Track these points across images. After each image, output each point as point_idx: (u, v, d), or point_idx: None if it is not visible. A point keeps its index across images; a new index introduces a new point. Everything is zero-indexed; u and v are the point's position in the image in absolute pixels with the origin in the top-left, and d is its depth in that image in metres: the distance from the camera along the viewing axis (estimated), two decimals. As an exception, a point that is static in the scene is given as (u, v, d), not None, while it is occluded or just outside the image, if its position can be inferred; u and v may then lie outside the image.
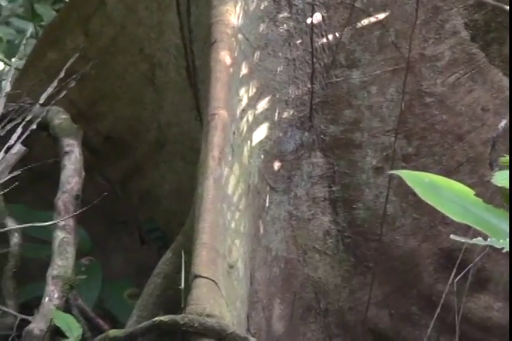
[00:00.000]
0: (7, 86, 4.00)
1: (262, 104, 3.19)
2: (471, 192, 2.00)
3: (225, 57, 3.06)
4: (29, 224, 3.34)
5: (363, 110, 3.33)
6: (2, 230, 3.39)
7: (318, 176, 3.34)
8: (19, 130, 3.54)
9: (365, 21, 3.31)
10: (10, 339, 3.39)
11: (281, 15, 3.29)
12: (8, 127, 3.62)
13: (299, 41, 3.28)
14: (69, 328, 2.95)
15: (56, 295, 3.08)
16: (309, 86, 3.28)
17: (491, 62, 3.41)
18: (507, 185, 2.01)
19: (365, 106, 3.33)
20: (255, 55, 3.20)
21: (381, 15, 3.35)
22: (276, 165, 3.26)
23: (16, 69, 4.40)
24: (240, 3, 3.20)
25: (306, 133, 3.35)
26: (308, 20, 3.30)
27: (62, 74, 3.69)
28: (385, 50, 3.32)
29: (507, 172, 2.36)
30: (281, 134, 3.28)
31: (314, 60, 3.28)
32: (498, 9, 3.48)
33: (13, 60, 4.80)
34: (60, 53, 3.89)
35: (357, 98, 3.32)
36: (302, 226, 3.33)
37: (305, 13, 3.30)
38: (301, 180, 3.33)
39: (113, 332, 2.74)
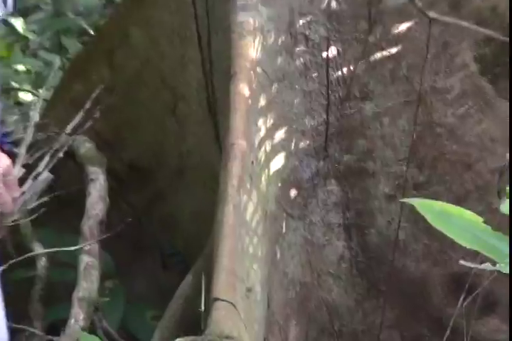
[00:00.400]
0: (35, 116, 3.79)
1: (279, 134, 3.22)
2: (479, 219, 2.34)
3: (243, 89, 3.07)
4: (55, 249, 3.35)
5: (375, 140, 3.41)
6: (29, 254, 3.39)
7: (333, 203, 3.38)
8: (46, 158, 3.52)
9: (378, 55, 3.35)
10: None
11: (297, 49, 3.33)
12: (37, 155, 3.58)
13: (315, 74, 3.33)
14: None
15: (81, 317, 3.12)
16: (324, 117, 3.32)
17: (498, 94, 3.46)
18: None
19: (378, 137, 3.39)
20: (273, 88, 3.22)
21: (393, 50, 3.39)
22: (293, 192, 3.29)
23: (43, 100, 4.11)
24: (258, 38, 3.23)
25: (321, 162, 3.38)
26: (324, 54, 3.33)
27: (87, 105, 3.74)
28: (397, 83, 3.39)
29: None
30: (297, 163, 3.31)
31: (329, 92, 3.34)
32: (506, 44, 3.63)
33: (41, 91, 4.63)
34: (86, 84, 3.97)
35: (370, 128, 3.39)
36: (317, 251, 3.38)
37: (321, 47, 3.34)
38: (316, 207, 3.35)
39: None
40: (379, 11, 3.36)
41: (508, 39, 3.34)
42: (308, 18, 3.37)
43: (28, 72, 5.35)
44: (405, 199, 2.55)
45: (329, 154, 3.38)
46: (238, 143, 2.90)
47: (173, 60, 3.85)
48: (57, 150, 3.63)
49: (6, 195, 2.52)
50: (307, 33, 3.36)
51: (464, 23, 3.37)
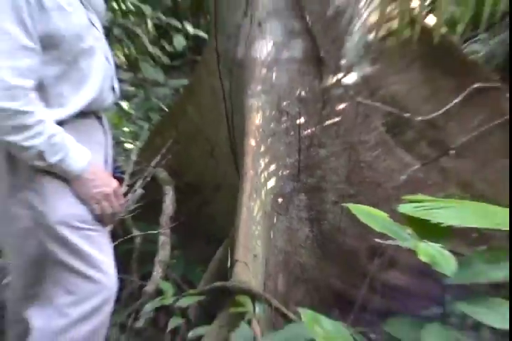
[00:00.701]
0: (133, 157, 4.79)
1: (272, 167, 4.00)
2: (386, 215, 2.99)
3: (251, 141, 3.88)
4: (145, 232, 4.25)
5: (327, 170, 4.16)
6: (130, 235, 4.21)
7: (303, 206, 4.14)
8: (140, 181, 4.49)
9: (327, 122, 4.12)
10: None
11: (282, 119, 4.09)
12: (134, 179, 4.50)
13: (292, 133, 4.11)
14: (168, 289, 3.62)
15: (160, 271, 3.89)
16: (297, 157, 4.10)
17: (397, 145, 4.20)
18: (407, 213, 2.89)
19: (328, 169, 4.15)
20: (268, 140, 4.01)
21: (336, 119, 4.14)
22: (280, 200, 4.04)
23: (138, 148, 5.02)
24: (260, 112, 3.97)
25: (296, 183, 4.14)
26: (297, 121, 4.14)
27: (163, 151, 4.68)
28: (339, 138, 4.17)
29: (407, 205, 3.03)
30: (282, 183, 4.07)
31: (300, 143, 4.08)
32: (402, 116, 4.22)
33: (137, 143, 5.37)
34: (162, 139, 4.81)
35: (323, 164, 4.15)
36: (294, 233, 4.09)
37: (295, 117, 4.11)
38: (293, 209, 4.12)
39: (191, 291, 3.51)
40: (329, 97, 4.10)
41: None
42: (288, 101, 4.12)
43: (130, 132, 5.92)
44: (344, 204, 3.07)
45: (300, 179, 4.17)
46: (249, 172, 3.74)
47: (212, 124, 4.58)
48: (146, 177, 4.56)
49: (117, 202, 2.93)
50: (288, 109, 4.13)
51: (377, 104, 4.14)
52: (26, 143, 2.61)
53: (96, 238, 2.89)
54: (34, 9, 2.63)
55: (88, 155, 2.80)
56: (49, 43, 2.69)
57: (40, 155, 2.67)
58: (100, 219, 2.89)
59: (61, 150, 2.70)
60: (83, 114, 2.88)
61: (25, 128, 2.60)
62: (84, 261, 2.84)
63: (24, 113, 2.58)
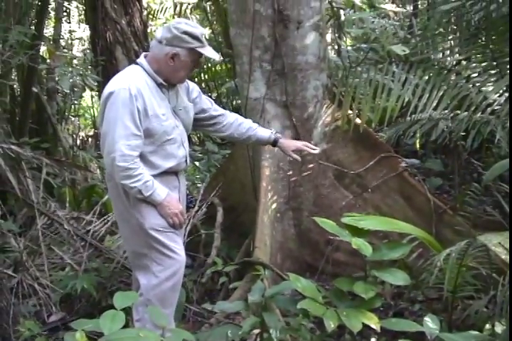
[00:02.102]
0: (201, 191, 4.55)
1: (274, 197, 4.04)
2: (334, 223, 3.02)
3: (264, 183, 3.99)
4: (207, 231, 4.13)
5: (303, 199, 4.19)
6: (200, 233, 4.11)
7: (290, 218, 4.18)
8: (204, 204, 4.29)
9: (304, 174, 4.14)
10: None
11: (280, 172, 4.11)
12: (201, 203, 4.28)
13: (285, 179, 4.13)
14: (219, 262, 3.59)
15: (215, 252, 3.93)
16: (287, 192, 4.14)
17: (340, 186, 4.25)
18: (346, 222, 2.96)
19: (304, 198, 4.19)
20: (272, 183, 4.04)
21: (306, 177, 4.16)
22: (278, 215, 4.08)
23: (204, 187, 4.74)
24: (269, 169, 4.03)
25: (287, 206, 4.15)
26: (288, 173, 4.12)
27: (217, 188, 4.48)
28: (310, 182, 4.19)
29: (346, 218, 3.04)
30: (280, 206, 4.09)
31: (289, 184, 4.13)
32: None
33: (204, 184, 5.17)
34: (217, 182, 4.63)
35: (302, 195, 4.18)
36: (285, 232, 4.13)
37: (287, 171, 4.12)
38: (285, 219, 4.14)
39: (231, 263, 3.68)
40: (304, 160, 3.96)
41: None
42: (283, 162, 4.09)
43: (199, 178, 5.80)
44: (314, 218, 3.17)
45: (289, 203, 4.19)
46: (262, 200, 3.94)
47: (243, 174, 4.39)
48: (207, 202, 4.40)
49: (181, 217, 3.01)
50: (283, 167, 4.12)
51: (330, 164, 4.22)
52: (132, 185, 2.82)
53: (171, 235, 3.03)
54: (142, 114, 2.82)
55: (165, 192, 2.96)
56: (147, 134, 2.87)
57: (140, 192, 2.84)
58: (172, 226, 3.03)
59: (151, 189, 2.87)
60: (166, 172, 3.03)
61: (131, 177, 2.80)
62: (165, 247, 2.99)
63: (131, 169, 2.79)
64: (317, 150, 3.44)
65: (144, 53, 3.04)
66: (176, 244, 3.04)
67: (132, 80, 2.84)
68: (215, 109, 3.31)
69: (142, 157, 2.86)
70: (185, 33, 2.86)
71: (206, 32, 9.04)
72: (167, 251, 2.99)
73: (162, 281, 2.98)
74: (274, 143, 3.37)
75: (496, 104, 3.82)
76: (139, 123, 2.80)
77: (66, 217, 4.24)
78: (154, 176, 2.91)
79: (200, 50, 2.90)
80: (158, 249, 2.99)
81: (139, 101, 2.80)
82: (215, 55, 3.01)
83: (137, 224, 2.98)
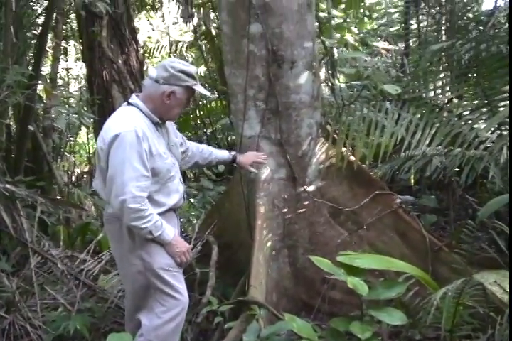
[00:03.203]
0: (195, 229, 4.49)
1: (269, 235, 3.98)
2: (330, 262, 3.07)
3: (259, 221, 3.91)
4: (202, 270, 4.01)
5: (298, 237, 4.12)
6: (194, 271, 3.98)
7: (286, 256, 4.11)
8: (199, 242, 4.27)
9: (299, 211, 4.11)
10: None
11: (275, 209, 4.06)
12: (196, 241, 4.26)
13: (280, 216, 4.08)
14: (214, 301, 3.54)
15: (209, 291, 3.82)
16: (282, 230, 4.09)
17: (336, 223, 4.20)
18: (341, 261, 2.98)
19: (299, 236, 4.11)
20: (267, 221, 3.98)
21: (302, 210, 4.12)
22: (273, 252, 4.01)
23: (199, 224, 4.69)
24: (263, 207, 3.96)
25: (282, 243, 4.09)
26: (283, 210, 4.07)
27: (212, 226, 4.42)
28: (305, 219, 4.17)
29: (342, 256, 3.08)
30: (275, 243, 4.03)
31: (284, 222, 4.08)
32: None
33: (199, 221, 5.04)
34: (212, 219, 4.58)
35: (296, 233, 4.11)
36: (281, 270, 4.05)
37: (281, 208, 4.07)
38: (280, 257, 4.06)
39: (226, 302, 3.57)
40: (299, 198, 4.09)
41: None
42: (278, 200, 4.07)
43: (195, 215, 5.75)
44: (310, 257, 3.20)
45: (284, 241, 4.12)
46: (257, 237, 3.84)
47: (238, 211, 4.30)
48: (202, 240, 4.34)
49: (188, 256, 3.10)
50: (277, 204, 4.06)
51: (325, 202, 4.15)
52: (143, 226, 2.88)
53: (177, 275, 3.12)
54: (148, 154, 2.89)
55: (173, 231, 3.04)
56: (153, 173, 2.95)
57: (150, 232, 2.92)
58: (179, 265, 3.10)
59: (161, 229, 2.95)
60: (168, 210, 3.12)
61: (142, 218, 2.87)
62: (171, 288, 3.06)
63: (142, 210, 2.85)
64: (266, 160, 3.85)
65: (134, 94, 3.12)
66: (181, 284, 3.11)
67: (135, 122, 2.92)
68: (185, 142, 3.49)
69: (149, 197, 2.93)
70: (182, 71, 2.99)
71: (201, 70, 9.25)
72: (172, 292, 3.05)
73: (165, 322, 3.02)
74: (233, 161, 3.74)
75: (488, 141, 3.80)
76: (147, 163, 2.87)
77: (60, 255, 4.23)
78: (158, 214, 2.98)
79: (195, 87, 3.04)
80: (163, 289, 3.04)
81: (145, 143, 2.87)
82: (207, 92, 3.22)
83: (143, 264, 3.03)
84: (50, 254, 4.15)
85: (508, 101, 3.93)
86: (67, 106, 5.16)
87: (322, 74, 5.59)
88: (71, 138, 8.77)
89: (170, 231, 3.01)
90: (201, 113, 9.17)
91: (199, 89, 3.07)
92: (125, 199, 2.79)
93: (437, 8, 6.15)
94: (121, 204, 2.80)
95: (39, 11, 7.05)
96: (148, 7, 10.09)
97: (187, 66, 3.04)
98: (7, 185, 4.26)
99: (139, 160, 2.83)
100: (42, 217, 4.77)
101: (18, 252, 4.35)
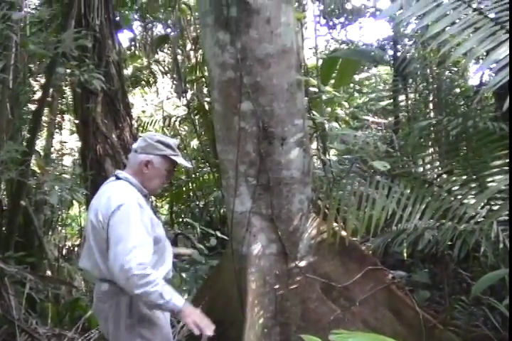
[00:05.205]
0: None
1: (261, 312, 3.87)
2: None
3: (250, 298, 3.83)
4: None
5: (291, 313, 4.03)
6: None
7: (278, 333, 3.96)
8: None
9: (291, 287, 4.04)
10: None
11: (267, 285, 3.99)
12: None
13: (271, 293, 4.00)
14: None
15: None
16: (274, 306, 3.98)
17: (328, 300, 4.11)
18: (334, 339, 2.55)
19: (292, 312, 4.01)
20: (259, 298, 3.91)
21: (294, 286, 4.05)
22: (265, 330, 3.88)
23: (191, 297, 4.54)
24: (254, 283, 3.90)
25: (273, 320, 3.94)
26: (274, 287, 4.01)
27: (206, 298, 4.28)
28: (297, 295, 4.08)
29: (334, 335, 2.53)
30: (266, 320, 3.90)
31: (276, 299, 3.99)
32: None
33: (190, 297, 4.86)
34: (203, 294, 4.46)
35: (289, 310, 4.04)
36: (270, 337, 3.88)
37: (273, 284, 4.01)
38: (272, 335, 3.93)
39: None
40: (291, 273, 4.03)
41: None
42: (269, 276, 3.97)
43: (185, 289, 5.60)
44: (301, 335, 2.71)
45: (276, 318, 3.97)
46: (249, 314, 3.74)
47: (230, 288, 4.18)
48: None
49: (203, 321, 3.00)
50: (269, 281, 3.99)
51: (317, 278, 4.06)
52: (152, 289, 2.85)
53: None
54: (150, 224, 3.01)
55: (182, 298, 3.03)
56: (155, 241, 3.01)
57: (161, 295, 2.87)
58: (201, 331, 3.00)
59: (171, 291, 2.94)
60: None
61: (150, 282, 2.85)
62: None
63: (148, 275, 2.85)
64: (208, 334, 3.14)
65: (117, 171, 3.24)
66: None
67: (133, 193, 3.03)
68: None
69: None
70: (159, 141, 3.12)
71: (194, 143, 9.44)
72: None
73: None
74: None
75: (478, 216, 3.84)
76: (150, 231, 2.96)
77: (47, 334, 4.14)
78: None
79: (173, 157, 3.15)
80: None
81: (145, 213, 2.97)
82: (186, 163, 3.29)
83: None
84: (37, 332, 4.13)
85: (497, 176, 4.01)
86: (60, 181, 5.17)
87: (314, 145, 5.68)
88: (63, 211, 8.77)
89: (179, 297, 2.97)
90: (194, 185, 9.26)
91: (177, 159, 3.16)
92: (131, 267, 2.79)
93: (425, 84, 6.31)
94: (126, 273, 2.79)
95: (36, 88, 7.24)
96: (143, 83, 10.34)
97: (165, 138, 3.17)
98: (-3, 262, 4.13)
99: (142, 228, 2.91)
100: (31, 293, 4.75)
101: (4, 330, 4.30)
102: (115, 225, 2.88)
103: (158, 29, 10.66)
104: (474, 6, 3.01)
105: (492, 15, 2.95)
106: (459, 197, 4.02)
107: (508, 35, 2.79)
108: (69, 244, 9.71)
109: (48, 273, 6.03)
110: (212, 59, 4.01)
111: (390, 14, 3.60)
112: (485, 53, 3.14)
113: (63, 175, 6.64)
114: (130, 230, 2.86)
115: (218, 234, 7.09)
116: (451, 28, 2.95)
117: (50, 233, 7.87)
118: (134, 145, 3.15)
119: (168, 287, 2.92)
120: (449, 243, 4.19)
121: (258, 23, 3.83)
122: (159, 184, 3.22)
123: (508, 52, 2.71)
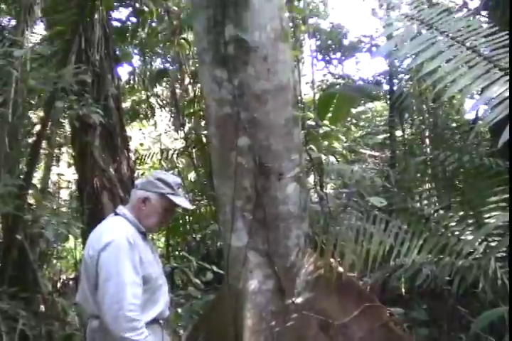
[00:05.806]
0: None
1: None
2: None
3: (247, 333, 3.81)
4: None
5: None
6: None
7: None
8: None
9: (287, 324, 3.97)
10: None
11: (263, 323, 3.93)
12: None
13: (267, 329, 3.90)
14: None
15: None
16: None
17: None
18: None
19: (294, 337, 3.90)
20: (256, 333, 3.85)
21: (291, 322, 3.99)
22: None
23: (186, 334, 4.51)
24: (250, 319, 3.85)
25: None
26: (270, 323, 3.95)
27: (201, 337, 4.25)
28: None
29: None
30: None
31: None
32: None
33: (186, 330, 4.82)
34: (199, 331, 4.39)
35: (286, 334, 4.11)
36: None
37: (270, 321, 3.96)
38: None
39: None
40: (288, 310, 3.96)
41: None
42: (265, 313, 3.93)
43: (182, 325, 5.40)
44: None
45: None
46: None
47: (226, 324, 4.08)
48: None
49: None
50: (266, 318, 3.93)
51: (314, 315, 3.96)
52: (135, 338, 2.81)
53: None
54: (140, 263, 2.93)
55: None
56: (145, 281, 2.95)
57: None
58: None
59: None
60: (153, 321, 3.06)
61: (136, 329, 2.83)
62: None
63: (137, 320, 2.83)
64: None
65: (120, 206, 3.21)
66: None
67: (125, 230, 2.98)
68: None
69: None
70: (159, 179, 3.09)
71: (192, 176, 9.43)
72: None
73: None
74: None
75: (476, 252, 3.82)
76: (139, 271, 2.89)
77: (39, 375, 4.04)
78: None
79: (171, 197, 3.09)
80: None
81: (136, 250, 2.90)
82: (186, 204, 3.20)
83: None
84: (28, 373, 3.97)
85: (494, 212, 3.98)
86: (56, 216, 5.16)
87: (311, 179, 5.68)
88: (59, 243, 8.70)
89: None
90: (190, 218, 9.19)
91: (175, 199, 3.09)
92: (122, 306, 2.76)
93: (421, 118, 6.34)
94: (116, 313, 2.76)
95: (35, 120, 7.24)
96: (141, 116, 10.40)
97: (168, 176, 3.14)
98: (-10, 298, 4.07)
99: (132, 266, 2.85)
100: (23, 328, 4.70)
101: (-3, 368, 4.14)
102: (105, 262, 2.85)
103: (157, 63, 10.66)
104: (468, 44, 3.09)
105: (486, 53, 3.03)
106: (457, 232, 4.01)
107: (502, 73, 2.88)
108: (64, 277, 9.59)
109: (42, 307, 5.91)
110: (210, 95, 4.05)
111: (385, 52, 3.59)
112: (480, 89, 3.13)
113: (60, 209, 6.58)
114: (119, 268, 2.82)
115: (214, 268, 6.98)
116: (446, 65, 3.01)
117: (44, 266, 7.71)
118: (137, 182, 3.17)
119: (149, 339, 2.89)
120: (448, 278, 4.17)
121: (255, 61, 3.88)
122: (156, 222, 3.16)
123: (501, 90, 2.80)
